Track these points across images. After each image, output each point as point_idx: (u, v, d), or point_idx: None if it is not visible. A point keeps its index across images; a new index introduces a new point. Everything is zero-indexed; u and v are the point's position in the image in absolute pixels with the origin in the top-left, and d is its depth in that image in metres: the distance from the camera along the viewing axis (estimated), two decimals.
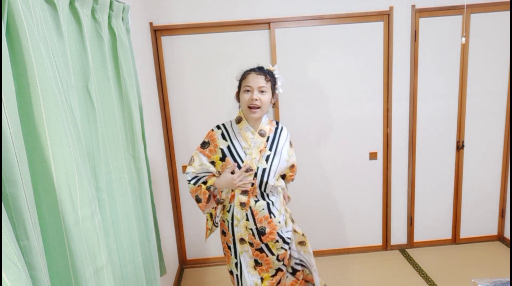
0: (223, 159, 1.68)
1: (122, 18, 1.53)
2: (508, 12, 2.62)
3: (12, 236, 0.64)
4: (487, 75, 2.72)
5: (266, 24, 2.57)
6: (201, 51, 2.60)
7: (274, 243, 1.73)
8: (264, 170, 1.68)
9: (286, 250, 1.78)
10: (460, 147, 2.83)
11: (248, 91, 1.63)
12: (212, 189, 1.71)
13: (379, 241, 3.00)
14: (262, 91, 1.63)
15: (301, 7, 2.54)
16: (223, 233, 1.81)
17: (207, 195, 1.68)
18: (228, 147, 1.67)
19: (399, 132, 2.79)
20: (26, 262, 0.71)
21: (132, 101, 1.49)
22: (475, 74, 2.71)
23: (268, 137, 1.72)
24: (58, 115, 0.86)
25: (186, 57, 2.61)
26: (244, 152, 1.68)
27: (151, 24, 2.51)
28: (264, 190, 1.70)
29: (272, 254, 1.74)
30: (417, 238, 2.99)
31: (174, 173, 2.80)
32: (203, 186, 1.68)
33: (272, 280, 1.77)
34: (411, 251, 2.93)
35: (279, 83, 1.71)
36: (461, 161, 2.86)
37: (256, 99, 1.61)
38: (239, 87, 1.70)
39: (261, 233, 1.70)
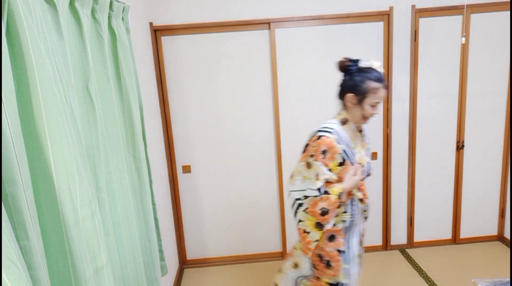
0: (342, 163, 1.59)
1: (122, 18, 1.53)
2: (508, 12, 2.62)
3: (12, 236, 0.64)
4: (487, 75, 2.72)
5: (266, 24, 2.57)
6: (201, 51, 2.60)
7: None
8: (368, 163, 1.69)
9: None
10: (460, 147, 2.83)
11: (374, 106, 1.55)
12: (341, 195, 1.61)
13: (379, 241, 3.00)
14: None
15: (301, 7, 2.54)
16: (330, 238, 1.63)
17: (337, 204, 1.57)
18: (344, 150, 1.60)
19: (399, 132, 2.78)
20: (26, 262, 0.71)
21: (132, 101, 1.49)
22: (475, 74, 2.71)
23: (361, 131, 1.70)
24: (58, 115, 0.86)
25: (186, 57, 2.61)
26: (352, 151, 1.62)
27: (151, 24, 2.51)
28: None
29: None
30: (417, 238, 2.99)
31: (174, 173, 2.80)
32: (332, 195, 1.54)
33: None
34: (411, 251, 2.93)
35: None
36: (461, 161, 2.86)
37: (378, 111, 1.60)
38: (362, 94, 1.54)
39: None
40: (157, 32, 2.55)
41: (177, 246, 2.91)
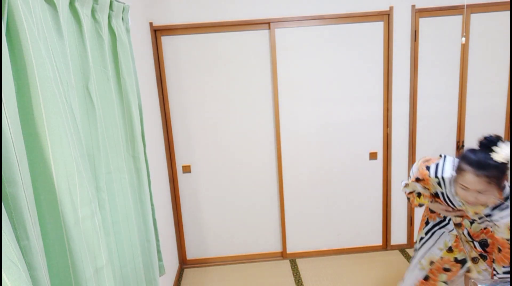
0: (436, 196, 1.72)
1: (122, 18, 1.53)
2: (508, 12, 2.61)
3: (12, 236, 0.64)
4: (487, 75, 2.72)
5: (266, 24, 2.57)
6: (201, 51, 2.60)
7: None
8: (466, 229, 1.70)
9: None
10: (460, 147, 2.83)
11: (463, 189, 1.43)
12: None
13: (379, 241, 3.00)
14: (482, 193, 1.39)
15: (301, 7, 2.54)
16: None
17: (414, 204, 1.84)
18: (442, 194, 1.64)
19: (399, 132, 2.78)
20: (26, 262, 0.71)
21: (132, 101, 1.49)
22: (475, 74, 2.71)
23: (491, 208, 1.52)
24: (58, 115, 0.86)
25: (186, 57, 2.61)
26: (459, 202, 1.59)
27: (151, 24, 2.51)
28: None
29: None
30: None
31: (174, 173, 2.80)
32: (415, 198, 1.81)
33: None
34: (411, 251, 2.93)
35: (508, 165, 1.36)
36: None
37: (473, 201, 1.43)
38: (456, 171, 1.48)
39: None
40: (157, 32, 2.55)
41: (177, 246, 2.91)
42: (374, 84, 2.70)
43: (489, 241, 1.64)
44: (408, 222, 2.95)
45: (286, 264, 2.89)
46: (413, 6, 2.57)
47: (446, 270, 1.76)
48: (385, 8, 2.57)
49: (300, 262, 2.90)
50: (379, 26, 2.61)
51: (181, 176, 2.81)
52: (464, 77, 2.71)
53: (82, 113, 1.14)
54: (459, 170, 1.44)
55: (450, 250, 1.71)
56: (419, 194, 1.79)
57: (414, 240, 2.99)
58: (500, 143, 1.37)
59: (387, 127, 2.77)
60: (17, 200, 0.69)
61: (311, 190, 2.86)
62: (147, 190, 1.61)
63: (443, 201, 1.67)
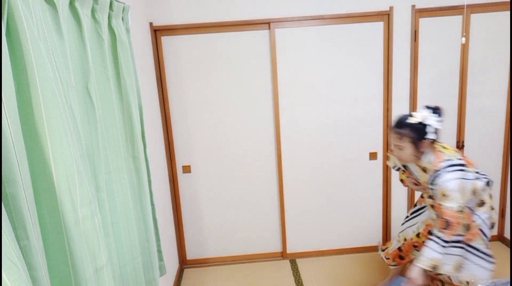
0: (406, 168, 2.02)
1: (122, 18, 1.53)
2: (508, 12, 2.62)
3: (12, 236, 0.64)
4: (487, 75, 2.72)
5: (266, 24, 2.57)
6: (201, 51, 2.60)
7: None
8: None
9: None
10: (460, 147, 2.83)
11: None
12: None
13: (379, 241, 3.00)
14: (400, 148, 1.72)
15: (301, 7, 2.54)
16: None
17: None
18: (407, 166, 1.96)
19: None
20: (26, 262, 0.71)
21: (132, 101, 1.49)
22: (475, 74, 2.71)
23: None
24: (58, 115, 0.86)
25: (186, 57, 2.61)
26: (416, 173, 1.89)
27: (151, 24, 2.51)
28: None
29: None
30: None
31: (174, 173, 2.80)
32: None
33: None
34: None
35: (429, 128, 1.66)
36: None
37: (397, 155, 1.78)
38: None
39: None
40: (157, 32, 2.55)
41: (177, 246, 2.91)
42: (374, 84, 2.70)
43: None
44: None
45: (286, 264, 2.89)
46: (413, 6, 2.57)
47: (415, 246, 2.02)
48: (385, 8, 2.57)
49: (300, 262, 2.90)
50: (379, 26, 2.61)
51: (181, 176, 2.82)
52: (464, 77, 2.71)
53: (82, 113, 1.14)
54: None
55: (418, 235, 1.92)
56: (404, 170, 2.01)
57: None
58: (426, 110, 1.68)
59: (387, 127, 2.77)
60: (17, 200, 0.69)
61: (311, 190, 2.86)
62: (147, 190, 1.61)
63: (411, 174, 1.84)
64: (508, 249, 2.86)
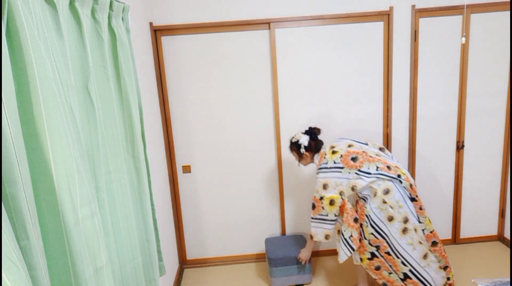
0: None
1: (122, 18, 1.53)
2: (508, 12, 2.62)
3: (12, 236, 0.64)
4: (487, 75, 2.72)
5: (266, 24, 2.57)
6: (201, 51, 2.60)
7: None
8: None
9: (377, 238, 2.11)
10: (460, 147, 2.83)
11: None
12: None
13: None
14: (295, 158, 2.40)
15: (301, 7, 2.55)
16: None
17: None
18: None
19: (399, 132, 2.79)
20: (26, 262, 0.71)
21: (132, 101, 1.49)
22: (475, 74, 2.71)
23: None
24: (58, 115, 0.86)
25: (186, 57, 2.61)
26: None
27: (151, 24, 2.51)
28: None
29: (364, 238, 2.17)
30: None
31: (174, 173, 2.80)
32: None
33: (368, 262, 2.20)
34: None
35: (302, 147, 2.27)
36: (461, 161, 2.86)
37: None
38: None
39: None
40: (157, 32, 2.55)
41: (177, 246, 2.91)
42: (374, 84, 2.70)
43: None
44: None
45: None
46: (413, 6, 2.57)
47: (355, 220, 2.19)
48: (385, 8, 2.57)
49: None
50: (379, 26, 2.61)
51: (181, 176, 2.82)
52: (464, 77, 2.71)
53: (82, 113, 1.14)
54: None
55: (355, 220, 2.15)
56: None
57: None
58: (303, 133, 2.32)
59: (387, 127, 2.77)
60: (17, 200, 0.69)
61: (312, 190, 2.86)
62: (147, 190, 1.61)
63: None
64: (508, 249, 2.86)
